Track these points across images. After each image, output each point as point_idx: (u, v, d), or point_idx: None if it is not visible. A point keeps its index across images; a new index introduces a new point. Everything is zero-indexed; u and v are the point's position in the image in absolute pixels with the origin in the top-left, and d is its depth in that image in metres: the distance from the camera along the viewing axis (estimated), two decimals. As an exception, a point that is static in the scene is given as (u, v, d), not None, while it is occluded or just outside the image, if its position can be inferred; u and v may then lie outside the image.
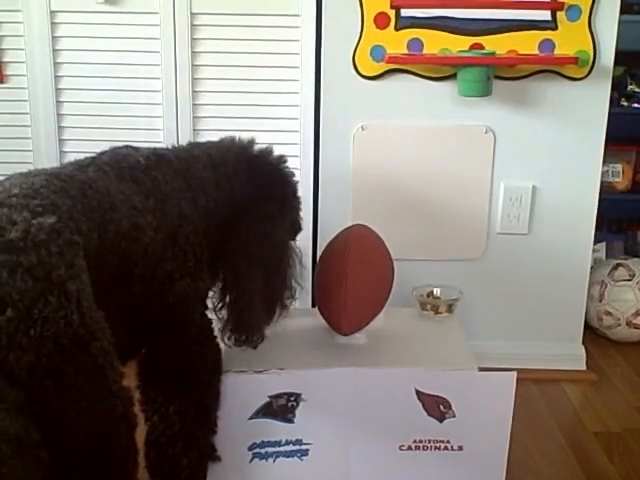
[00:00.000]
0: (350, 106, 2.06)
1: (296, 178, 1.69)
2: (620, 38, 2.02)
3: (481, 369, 1.63)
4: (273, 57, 2.04)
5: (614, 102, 2.44)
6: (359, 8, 1.98)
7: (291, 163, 2.03)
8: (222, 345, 1.53)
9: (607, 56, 2.02)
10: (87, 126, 2.08)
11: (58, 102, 2.07)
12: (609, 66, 2.03)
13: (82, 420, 1.04)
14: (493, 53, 1.96)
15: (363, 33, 2.00)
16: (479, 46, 2.00)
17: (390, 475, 1.63)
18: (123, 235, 1.24)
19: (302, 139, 2.09)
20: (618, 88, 2.53)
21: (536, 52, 2.01)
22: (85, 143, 2.05)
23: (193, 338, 1.42)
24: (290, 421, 1.59)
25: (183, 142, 1.99)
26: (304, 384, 1.57)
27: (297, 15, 2.01)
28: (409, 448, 1.62)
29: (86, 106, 2.08)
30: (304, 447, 1.61)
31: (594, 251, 2.31)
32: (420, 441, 1.62)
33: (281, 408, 1.58)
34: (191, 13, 2.01)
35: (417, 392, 1.59)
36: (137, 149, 1.44)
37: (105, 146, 1.46)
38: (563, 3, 1.98)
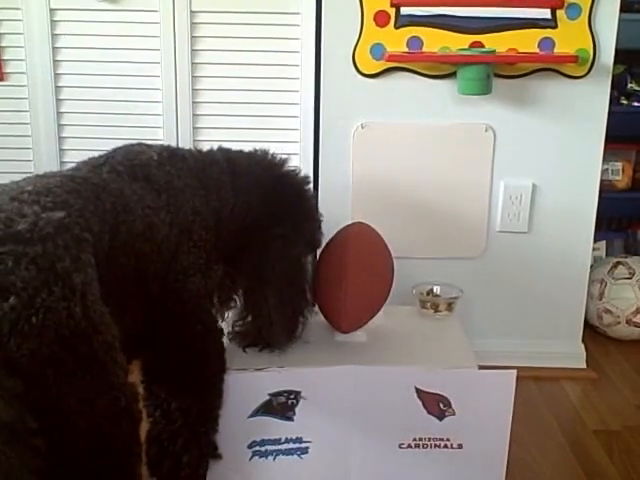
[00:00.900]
0: (350, 104, 2.05)
1: (312, 197, 1.71)
2: (620, 36, 2.02)
3: (481, 367, 1.63)
4: (273, 55, 2.04)
5: (614, 100, 2.44)
6: (359, 6, 1.98)
7: (291, 161, 2.05)
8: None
9: (607, 54, 2.02)
10: (87, 124, 2.09)
11: (58, 100, 2.07)
12: (609, 64, 2.03)
13: (82, 411, 1.04)
14: (493, 51, 1.96)
15: (363, 31, 2.00)
16: (479, 44, 2.00)
17: (390, 473, 1.63)
18: (137, 236, 1.25)
19: (302, 137, 2.09)
20: (618, 86, 2.53)
21: (536, 50, 2.01)
22: (85, 141, 2.06)
23: (198, 335, 1.42)
24: (290, 419, 1.59)
25: (185, 143, 2.04)
26: (304, 382, 1.57)
27: (297, 13, 2.01)
28: (409, 446, 1.62)
29: (86, 104, 2.08)
30: (304, 445, 1.61)
31: (594, 249, 2.31)
32: (420, 439, 1.62)
33: (281, 406, 1.58)
34: (191, 11, 2.01)
35: (417, 390, 1.59)
36: (150, 146, 1.45)
37: (104, 144, 1.47)
38: (563, 1, 1.98)
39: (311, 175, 2.10)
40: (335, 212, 2.06)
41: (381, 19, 1.99)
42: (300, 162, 2.09)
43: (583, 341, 2.25)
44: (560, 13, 1.99)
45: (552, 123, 2.07)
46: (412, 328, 1.83)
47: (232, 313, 1.68)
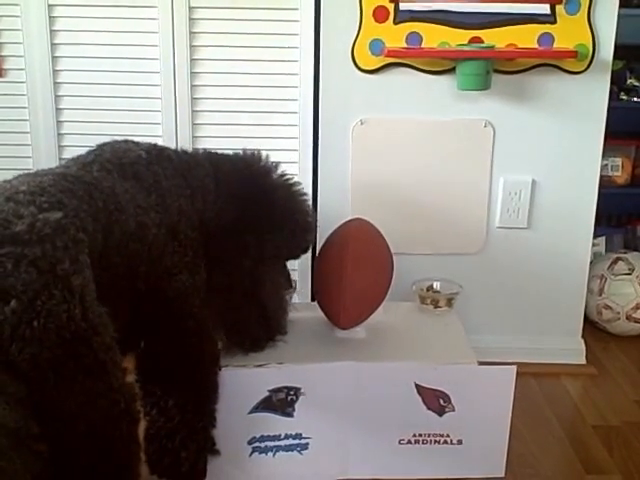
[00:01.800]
0: (349, 100, 2.05)
1: (309, 208, 1.69)
2: (619, 32, 2.01)
3: (481, 363, 1.64)
4: (272, 51, 2.04)
5: (613, 96, 2.43)
6: (358, 2, 1.98)
7: (290, 157, 2.06)
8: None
9: (606, 50, 2.02)
10: (85, 120, 2.08)
11: (57, 96, 2.07)
12: (608, 60, 2.03)
13: (83, 414, 1.04)
14: (492, 47, 1.96)
15: (362, 27, 1.99)
16: (478, 40, 2.00)
17: (389, 469, 1.63)
18: (130, 236, 1.26)
19: (301, 133, 2.09)
20: (617, 82, 2.53)
21: (535, 46, 2.00)
22: (83, 137, 2.05)
23: (191, 331, 1.42)
24: (290, 415, 1.59)
25: (184, 140, 2.04)
26: (303, 378, 1.57)
27: (296, 9, 2.01)
28: (409, 442, 1.63)
29: (84, 100, 2.07)
30: (303, 441, 1.61)
31: (594, 245, 2.31)
32: (420, 435, 1.62)
33: (281, 402, 1.58)
34: (189, 7, 2.00)
35: (417, 386, 1.59)
36: (137, 143, 1.45)
37: (103, 140, 1.47)
38: (562, -4, 1.98)
39: (310, 171, 2.10)
40: (334, 208, 2.07)
41: (380, 15, 1.99)
42: (299, 158, 2.09)
43: (583, 337, 2.25)
44: (559, 8, 1.99)
45: (551, 119, 2.07)
46: (412, 324, 1.83)
47: None
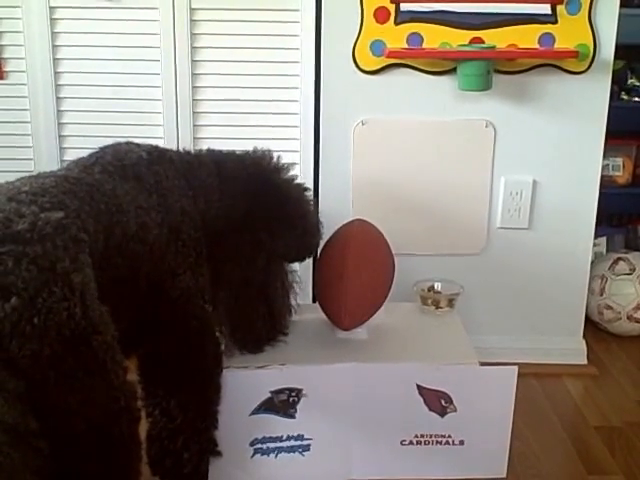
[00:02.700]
0: (350, 101, 2.05)
1: (316, 212, 1.70)
2: (620, 32, 2.01)
3: (482, 363, 1.64)
4: (273, 52, 2.04)
5: (614, 96, 2.43)
6: (359, 3, 1.98)
7: (291, 158, 2.06)
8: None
9: (607, 50, 2.02)
10: (87, 122, 2.08)
11: (58, 98, 2.07)
12: (609, 60, 2.03)
13: (83, 412, 1.04)
14: (493, 47, 1.96)
15: (363, 28, 1.99)
16: (479, 40, 2.00)
17: (391, 470, 1.64)
18: (131, 237, 1.26)
19: (302, 134, 2.09)
20: (618, 82, 2.53)
21: (536, 46, 2.00)
22: (85, 139, 2.05)
23: (193, 331, 1.42)
24: (291, 416, 1.59)
25: (185, 141, 2.04)
26: (305, 379, 1.58)
27: (297, 10, 2.01)
28: (410, 443, 1.63)
29: (86, 102, 2.08)
30: (305, 442, 1.61)
31: (594, 245, 2.31)
32: (421, 436, 1.62)
33: (282, 403, 1.58)
34: (190, 8, 2.00)
35: (418, 387, 1.59)
36: (139, 145, 1.45)
37: (105, 141, 1.47)
38: (563, -3, 1.98)
39: (311, 172, 2.10)
40: (336, 209, 2.07)
41: (381, 15, 1.99)
42: (300, 159, 2.09)
43: (584, 337, 2.25)
44: (560, 8, 1.99)
45: (552, 119, 2.07)
46: (413, 325, 1.83)
47: None
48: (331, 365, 1.58)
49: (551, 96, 2.05)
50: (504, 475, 1.65)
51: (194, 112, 2.07)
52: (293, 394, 1.57)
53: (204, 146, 2.01)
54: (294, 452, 1.61)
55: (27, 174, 1.25)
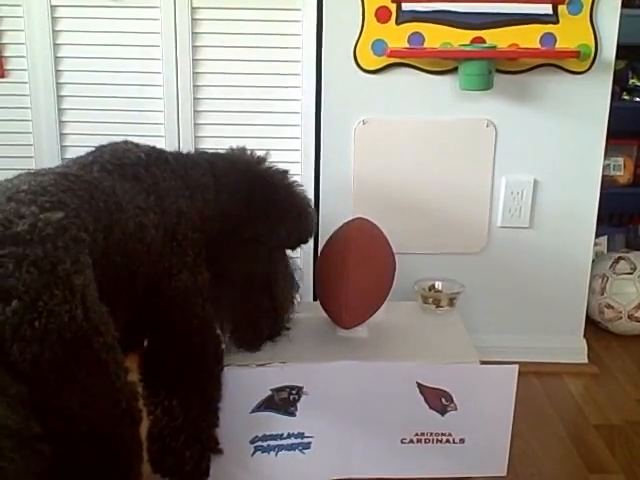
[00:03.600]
0: (351, 100, 2.05)
1: (304, 192, 1.69)
2: (621, 32, 2.01)
3: (483, 362, 1.64)
4: (274, 51, 2.04)
5: (615, 96, 2.43)
6: (360, 2, 1.98)
7: (292, 157, 2.06)
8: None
9: (608, 50, 2.02)
10: (88, 120, 2.08)
11: (59, 96, 2.07)
12: (610, 60, 2.03)
13: (85, 414, 1.04)
14: (494, 47, 1.96)
15: (364, 27, 2.00)
16: (480, 40, 2.00)
17: (392, 468, 1.64)
18: (129, 236, 1.26)
19: (303, 133, 2.09)
20: (619, 82, 2.53)
21: (537, 46, 2.01)
22: (86, 137, 2.05)
23: (194, 330, 1.42)
24: (292, 414, 1.59)
25: (186, 140, 2.05)
26: (306, 377, 1.58)
27: (298, 9, 2.01)
28: (411, 441, 1.63)
29: (87, 100, 2.08)
30: (306, 440, 1.61)
31: (595, 244, 2.31)
32: (422, 434, 1.62)
33: (283, 401, 1.58)
34: (192, 7, 2.00)
35: (419, 385, 1.59)
36: (137, 145, 1.45)
37: (105, 140, 1.47)
38: (564, -4, 1.98)
39: (312, 171, 2.11)
40: (336, 208, 2.07)
41: (382, 15, 1.99)
42: (301, 158, 2.09)
43: (585, 336, 2.25)
44: (562, 8, 1.99)
45: (553, 119, 2.07)
46: (414, 323, 1.83)
47: None
48: (332, 363, 1.58)
49: (552, 96, 2.06)
50: (504, 473, 1.65)
51: (195, 111, 2.07)
52: (294, 392, 1.57)
53: (205, 145, 2.03)
54: (294, 450, 1.61)
55: (24, 172, 1.24)
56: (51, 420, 0.99)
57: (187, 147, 1.81)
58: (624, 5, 2.02)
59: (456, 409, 1.61)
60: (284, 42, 2.04)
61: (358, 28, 2.00)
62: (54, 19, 2.02)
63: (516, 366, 1.59)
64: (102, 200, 1.22)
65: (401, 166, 2.10)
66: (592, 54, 2.01)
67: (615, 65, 2.05)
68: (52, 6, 2.01)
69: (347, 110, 2.06)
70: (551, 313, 2.21)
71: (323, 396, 1.59)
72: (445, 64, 2.02)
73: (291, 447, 1.61)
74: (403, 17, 1.99)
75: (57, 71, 2.05)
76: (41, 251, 1.01)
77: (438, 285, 1.96)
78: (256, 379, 1.57)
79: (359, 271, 1.68)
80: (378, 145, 2.08)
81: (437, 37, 2.00)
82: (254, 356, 1.60)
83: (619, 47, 2.03)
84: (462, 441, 1.63)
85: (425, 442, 1.62)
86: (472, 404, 1.61)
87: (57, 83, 2.06)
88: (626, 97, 2.61)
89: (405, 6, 1.98)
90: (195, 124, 2.08)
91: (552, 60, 2.02)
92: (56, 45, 2.04)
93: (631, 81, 2.62)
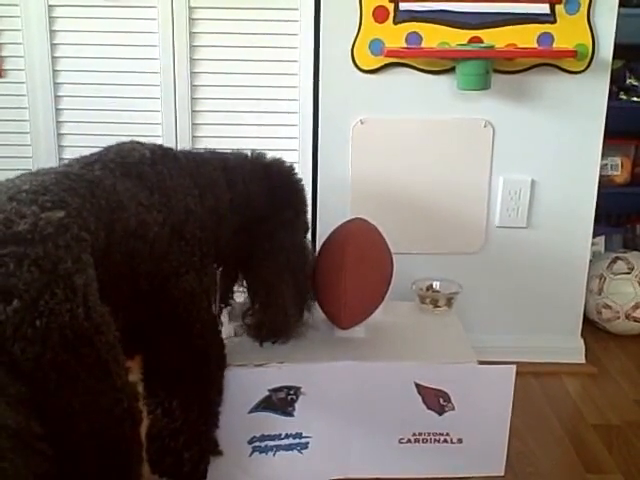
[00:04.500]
0: (349, 100, 2.05)
1: (303, 183, 1.73)
2: (619, 31, 2.01)
3: (480, 362, 1.64)
4: (271, 51, 2.04)
5: (613, 95, 2.43)
6: (357, 2, 1.98)
7: (290, 157, 2.05)
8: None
9: (606, 49, 2.02)
10: (85, 120, 2.08)
11: (56, 96, 2.07)
12: (608, 59, 2.03)
13: (86, 414, 1.04)
14: (492, 46, 1.96)
15: (362, 27, 1.99)
16: (478, 39, 2.00)
17: (390, 468, 1.64)
18: (131, 234, 1.25)
19: (301, 133, 2.09)
20: (617, 81, 2.53)
21: (535, 45, 2.01)
22: (83, 137, 2.05)
23: (197, 333, 1.42)
24: (290, 415, 1.59)
25: (183, 140, 2.05)
26: (304, 378, 1.58)
27: (295, 9, 2.01)
28: (409, 441, 1.63)
29: (84, 100, 2.08)
30: (304, 440, 1.61)
31: (593, 244, 2.31)
32: (420, 434, 1.62)
33: (281, 402, 1.58)
34: (189, 7, 2.00)
35: (417, 385, 1.59)
36: (143, 144, 1.45)
37: (103, 140, 1.47)
38: (562, -4, 1.98)
39: (310, 171, 2.11)
40: (334, 208, 2.07)
41: (380, 15, 1.99)
42: (299, 158, 2.09)
43: (582, 336, 2.25)
44: (559, 8, 1.99)
45: (551, 118, 2.07)
46: (412, 324, 1.83)
47: (238, 307, 1.69)
48: (330, 363, 1.58)
49: (550, 96, 2.06)
50: (502, 473, 1.65)
51: (193, 111, 2.07)
52: (292, 392, 1.57)
53: (203, 145, 2.03)
54: (292, 450, 1.61)
55: (27, 171, 1.25)
56: (52, 420, 0.99)
57: (185, 147, 1.81)
58: (621, 4, 2.02)
59: (454, 409, 1.61)
60: (281, 42, 2.04)
61: (355, 28, 1.99)
62: (51, 19, 2.02)
63: (514, 366, 1.59)
64: (103, 198, 1.22)
65: (399, 166, 2.10)
66: (589, 54, 2.01)
67: (612, 65, 2.06)
68: (49, 6, 2.00)
69: (345, 110, 2.06)
70: (549, 313, 2.21)
71: (321, 396, 1.59)
72: (442, 64, 2.02)
73: (289, 447, 1.61)
74: (400, 17, 1.99)
75: (54, 71, 2.05)
76: (42, 250, 1.01)
77: (436, 285, 1.96)
78: (254, 379, 1.57)
79: (357, 271, 1.67)
80: (376, 145, 2.08)
81: (434, 37, 2.00)
82: (252, 356, 1.60)
83: (616, 47, 2.03)
84: (460, 441, 1.63)
85: (423, 442, 1.62)
86: (470, 404, 1.61)
87: (54, 83, 2.06)
88: (623, 97, 2.61)
89: (402, 6, 1.98)
90: (192, 124, 2.08)
91: (549, 60, 2.02)
92: (53, 45, 2.03)
93: (628, 81, 2.62)
